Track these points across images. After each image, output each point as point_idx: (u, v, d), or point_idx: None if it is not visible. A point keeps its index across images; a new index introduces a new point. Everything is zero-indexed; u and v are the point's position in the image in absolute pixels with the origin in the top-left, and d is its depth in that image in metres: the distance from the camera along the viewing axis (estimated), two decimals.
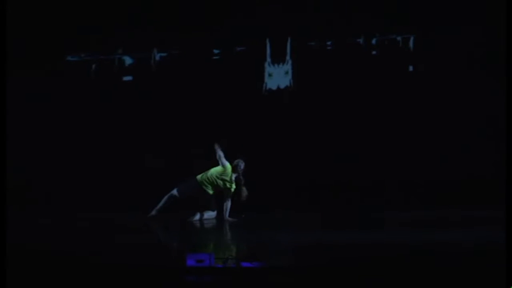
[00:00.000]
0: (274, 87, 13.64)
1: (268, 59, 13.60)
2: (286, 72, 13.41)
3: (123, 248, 8.31)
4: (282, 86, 13.48)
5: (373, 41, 12.95)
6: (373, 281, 6.51)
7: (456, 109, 12.65)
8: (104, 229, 10.33)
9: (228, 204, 10.79)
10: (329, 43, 13.13)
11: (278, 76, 13.62)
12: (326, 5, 12.97)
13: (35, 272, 6.61)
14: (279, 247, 8.41)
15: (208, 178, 10.97)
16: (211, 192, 10.97)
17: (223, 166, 10.94)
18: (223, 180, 10.90)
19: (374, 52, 12.93)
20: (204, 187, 10.97)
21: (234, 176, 10.90)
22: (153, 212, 11.08)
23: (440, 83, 12.74)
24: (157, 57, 14.15)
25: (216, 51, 13.85)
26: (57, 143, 13.90)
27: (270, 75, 13.62)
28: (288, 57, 13.45)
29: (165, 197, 11.06)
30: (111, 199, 12.69)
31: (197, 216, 10.89)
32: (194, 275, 6.41)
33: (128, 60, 14.34)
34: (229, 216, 10.79)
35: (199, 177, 11.07)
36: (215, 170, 11.00)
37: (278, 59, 13.41)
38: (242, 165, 10.93)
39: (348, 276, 6.63)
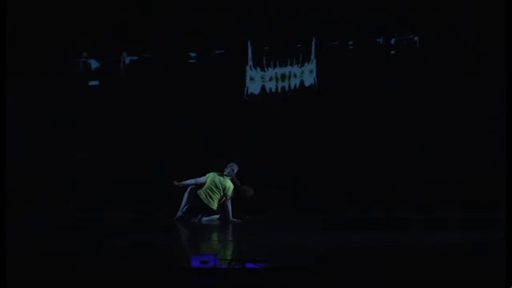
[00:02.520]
0: (256, 92, 14.09)
1: (250, 63, 14.01)
2: (311, 71, 13.96)
3: (127, 249, 8.61)
4: (307, 84, 14.04)
5: (392, 41, 13.67)
6: (374, 281, 6.85)
7: (458, 110, 13.42)
8: (107, 230, 10.64)
9: (229, 206, 11.29)
10: (350, 42, 13.75)
11: (259, 81, 14.12)
12: (348, 6, 13.65)
13: (35, 273, 6.86)
14: (283, 248, 8.73)
15: (207, 193, 11.44)
16: (214, 207, 11.45)
17: (206, 181, 11.46)
18: (216, 188, 11.42)
19: (392, 52, 13.65)
20: (207, 202, 11.44)
21: (226, 179, 11.41)
22: (179, 213, 11.51)
23: (443, 84, 13.53)
24: (127, 60, 14.20)
25: (192, 54, 14.07)
26: (44, 144, 14.01)
27: (251, 79, 14.06)
28: (312, 56, 13.97)
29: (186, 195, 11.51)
30: (113, 199, 12.96)
31: (200, 217, 11.35)
32: (199, 276, 6.75)
33: (94, 64, 14.37)
34: (232, 217, 11.35)
35: (200, 192, 11.52)
36: (207, 183, 11.52)
37: (303, 59, 13.97)
38: (235, 168, 11.46)
39: (348, 276, 7.00)
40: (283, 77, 14.07)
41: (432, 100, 13.54)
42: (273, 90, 14.12)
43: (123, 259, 7.66)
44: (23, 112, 13.80)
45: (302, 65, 14.05)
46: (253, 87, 14.09)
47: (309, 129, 13.71)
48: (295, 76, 14.05)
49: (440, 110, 13.50)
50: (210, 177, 11.42)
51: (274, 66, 14.05)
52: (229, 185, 11.35)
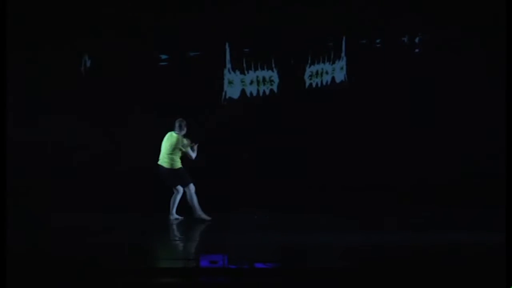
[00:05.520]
0: (235, 96, 14.54)
1: (228, 65, 14.39)
2: (341, 68, 14.63)
3: (132, 248, 9.10)
4: (338, 80, 14.76)
5: (416, 40, 14.48)
6: (374, 281, 7.43)
7: (459, 110, 14.23)
8: (113, 229, 11.12)
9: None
10: (378, 41, 14.49)
11: (239, 84, 14.62)
12: (376, 6, 14.41)
13: (35, 274, 7.31)
14: (289, 248, 9.32)
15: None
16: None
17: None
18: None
19: (416, 50, 14.49)
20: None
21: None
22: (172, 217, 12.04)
23: (447, 84, 14.36)
24: (88, 63, 14.27)
25: (163, 57, 14.26)
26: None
27: (230, 82, 14.46)
28: (343, 54, 14.64)
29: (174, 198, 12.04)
30: (115, 201, 13.27)
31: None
32: (208, 276, 7.26)
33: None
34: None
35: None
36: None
37: (334, 57, 14.65)
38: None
39: (349, 276, 7.58)
40: (264, 80, 14.66)
41: (436, 102, 14.35)
42: (254, 94, 14.63)
43: (129, 259, 8.11)
44: None
45: (334, 63, 14.74)
46: (232, 91, 14.53)
47: (339, 124, 14.40)
48: (326, 73, 14.73)
49: (450, 110, 14.29)
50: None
51: (255, 69, 14.57)
52: None
